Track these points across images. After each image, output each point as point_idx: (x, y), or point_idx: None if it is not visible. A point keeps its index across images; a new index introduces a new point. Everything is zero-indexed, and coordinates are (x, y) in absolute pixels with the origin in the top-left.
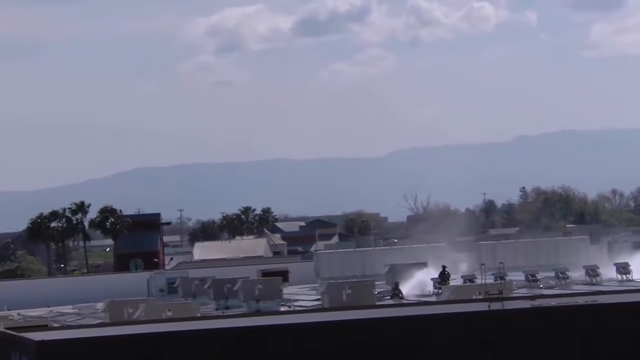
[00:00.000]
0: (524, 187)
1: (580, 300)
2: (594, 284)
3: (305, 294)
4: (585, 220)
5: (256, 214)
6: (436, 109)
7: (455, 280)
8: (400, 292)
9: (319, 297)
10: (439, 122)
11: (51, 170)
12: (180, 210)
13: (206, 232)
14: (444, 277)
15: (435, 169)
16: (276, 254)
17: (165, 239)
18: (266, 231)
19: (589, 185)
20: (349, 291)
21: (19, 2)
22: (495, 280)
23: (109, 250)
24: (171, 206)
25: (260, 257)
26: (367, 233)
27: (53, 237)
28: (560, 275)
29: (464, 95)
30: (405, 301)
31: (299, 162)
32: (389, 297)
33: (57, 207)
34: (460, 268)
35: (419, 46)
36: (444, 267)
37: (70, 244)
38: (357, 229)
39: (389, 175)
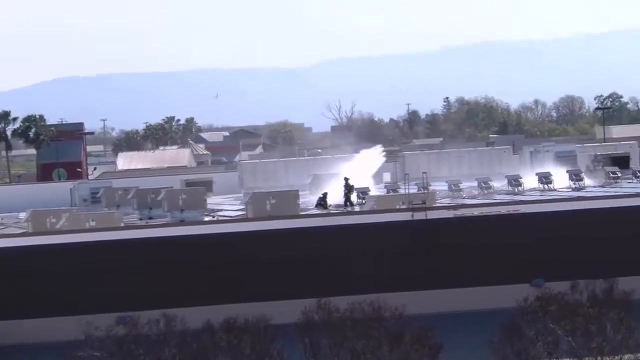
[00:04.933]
0: (447, 98)
1: (503, 210)
2: (517, 194)
3: (229, 204)
4: (508, 131)
5: (180, 124)
6: (363, 19)
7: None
8: (325, 202)
9: (243, 207)
10: (366, 33)
11: None
12: (104, 120)
13: (130, 142)
14: (349, 188)
15: (359, 79)
16: (200, 164)
17: (89, 148)
18: (190, 141)
19: (513, 96)
20: (273, 201)
21: None
22: (418, 190)
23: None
24: (94, 116)
25: (184, 167)
26: (291, 143)
27: None
28: (483, 185)
29: (391, 4)
30: (330, 210)
31: (224, 71)
32: (313, 207)
33: None
34: (384, 178)
35: None
36: (346, 179)
37: None
38: (281, 139)
39: (313, 86)
